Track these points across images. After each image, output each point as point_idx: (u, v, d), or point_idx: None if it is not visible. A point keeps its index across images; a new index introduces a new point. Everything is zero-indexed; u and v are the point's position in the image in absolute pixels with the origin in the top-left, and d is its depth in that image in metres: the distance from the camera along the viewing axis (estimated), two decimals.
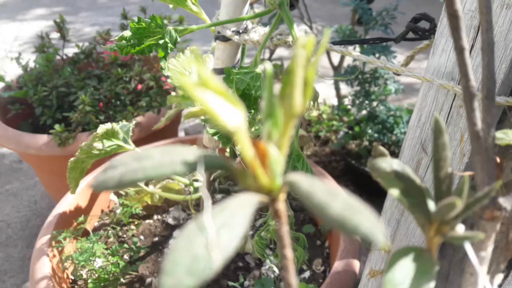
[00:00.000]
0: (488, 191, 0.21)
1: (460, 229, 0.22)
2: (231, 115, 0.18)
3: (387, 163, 0.24)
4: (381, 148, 0.25)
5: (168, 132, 1.27)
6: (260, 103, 0.57)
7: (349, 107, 1.52)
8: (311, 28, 1.43)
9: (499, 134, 0.26)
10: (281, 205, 0.19)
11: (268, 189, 0.19)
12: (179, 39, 0.47)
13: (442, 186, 0.23)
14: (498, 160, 0.24)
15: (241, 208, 0.17)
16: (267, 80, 0.19)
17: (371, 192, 1.38)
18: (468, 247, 0.22)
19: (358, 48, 1.35)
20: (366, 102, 1.31)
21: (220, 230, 0.16)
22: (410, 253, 0.22)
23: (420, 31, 0.53)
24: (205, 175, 0.78)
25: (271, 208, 0.19)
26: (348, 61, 2.06)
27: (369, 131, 1.32)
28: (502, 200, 0.22)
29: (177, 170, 0.19)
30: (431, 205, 0.23)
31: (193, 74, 0.70)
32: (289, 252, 0.20)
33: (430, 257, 0.22)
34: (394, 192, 0.23)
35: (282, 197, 0.19)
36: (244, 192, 0.19)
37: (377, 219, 0.17)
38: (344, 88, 1.83)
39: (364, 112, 1.43)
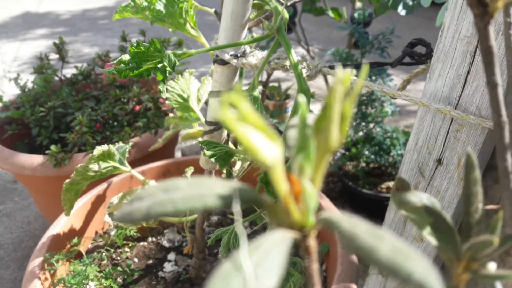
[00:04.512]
0: None
1: (491, 267, 0.21)
2: (269, 150, 0.17)
3: (417, 197, 0.23)
4: (404, 179, 0.25)
5: (165, 152, 1.27)
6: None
7: None
8: (308, 51, 1.45)
9: None
10: (312, 242, 0.19)
11: (301, 225, 0.19)
12: (177, 63, 0.48)
13: (472, 221, 0.23)
14: None
15: (276, 245, 0.16)
16: (301, 113, 0.18)
17: (367, 214, 1.38)
18: (498, 286, 0.21)
19: (354, 71, 1.36)
20: (363, 123, 1.31)
21: (256, 270, 0.15)
22: None
23: (416, 55, 0.54)
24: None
25: (302, 245, 0.19)
26: None
27: (366, 152, 1.32)
28: None
29: (209, 203, 0.18)
30: (459, 241, 0.22)
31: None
32: None
33: None
34: (424, 231, 0.22)
35: (313, 234, 0.19)
36: (276, 229, 0.18)
37: (430, 263, 0.16)
38: None
39: (361, 133, 1.43)
